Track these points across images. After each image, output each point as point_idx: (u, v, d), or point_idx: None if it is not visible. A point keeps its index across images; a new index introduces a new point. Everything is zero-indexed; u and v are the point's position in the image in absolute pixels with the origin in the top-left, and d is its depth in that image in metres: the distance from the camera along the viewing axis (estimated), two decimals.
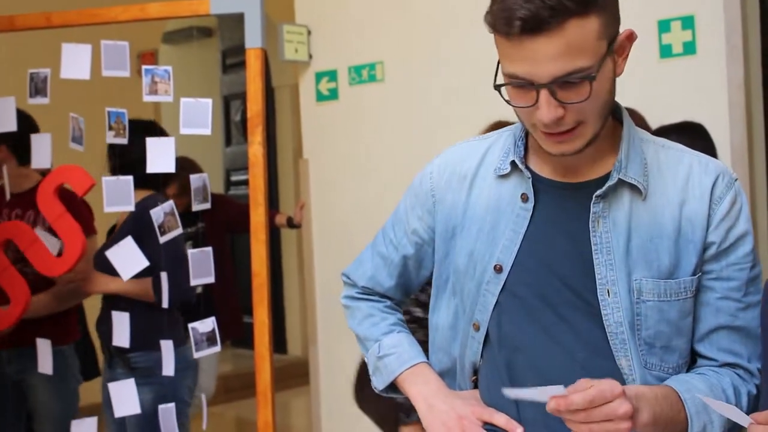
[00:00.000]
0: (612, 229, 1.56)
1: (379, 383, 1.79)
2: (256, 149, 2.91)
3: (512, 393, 1.47)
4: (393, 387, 1.79)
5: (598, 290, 1.55)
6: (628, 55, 1.56)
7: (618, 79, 1.56)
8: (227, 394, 7.00)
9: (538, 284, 1.58)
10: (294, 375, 7.19)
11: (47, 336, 3.56)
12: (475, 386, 1.71)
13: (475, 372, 1.70)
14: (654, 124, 3.17)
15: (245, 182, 8.58)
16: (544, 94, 1.45)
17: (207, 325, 3.05)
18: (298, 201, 5.34)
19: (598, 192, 1.56)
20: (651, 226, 1.56)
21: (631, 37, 1.55)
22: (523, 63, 1.45)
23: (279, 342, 7.96)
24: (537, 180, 1.62)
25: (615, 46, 1.51)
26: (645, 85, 3.71)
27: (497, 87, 1.52)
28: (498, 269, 1.61)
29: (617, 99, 1.59)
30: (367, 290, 1.88)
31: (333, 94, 5.01)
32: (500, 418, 1.60)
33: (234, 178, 9.05)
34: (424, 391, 1.69)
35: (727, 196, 1.58)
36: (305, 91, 5.13)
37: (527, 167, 1.63)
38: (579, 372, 1.53)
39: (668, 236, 1.56)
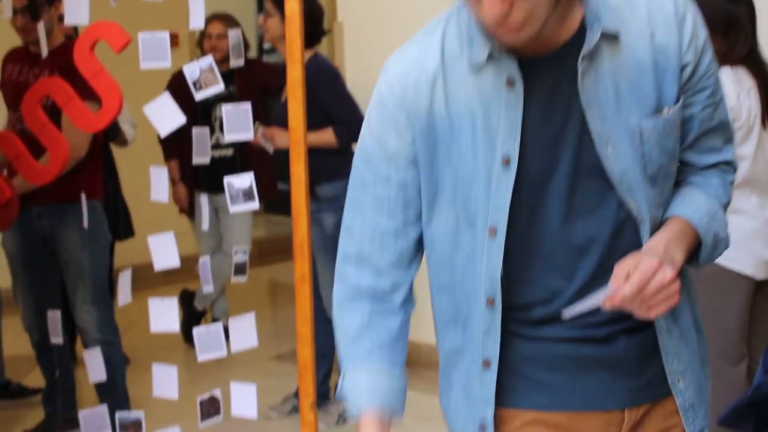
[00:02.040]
0: (598, 81, 1.53)
1: (350, 410, 1.72)
2: (292, 4, 2.88)
3: (569, 312, 1.53)
4: None
5: (596, 146, 1.54)
6: None
7: None
8: (261, 258, 7.12)
9: (546, 163, 1.56)
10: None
11: (75, 191, 3.65)
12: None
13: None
14: None
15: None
16: None
17: (244, 180, 3.07)
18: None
19: (584, 52, 1.52)
20: (631, 67, 1.55)
21: None
22: None
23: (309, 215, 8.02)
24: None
25: None
26: None
27: None
28: (506, 162, 1.54)
29: None
30: (368, 265, 1.68)
31: None
32: None
33: (267, 45, 8.98)
34: None
35: (687, 13, 1.57)
36: None
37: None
38: (603, 235, 1.58)
39: (648, 70, 1.55)
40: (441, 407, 1.80)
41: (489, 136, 1.55)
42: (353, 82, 5.14)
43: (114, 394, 3.95)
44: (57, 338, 3.78)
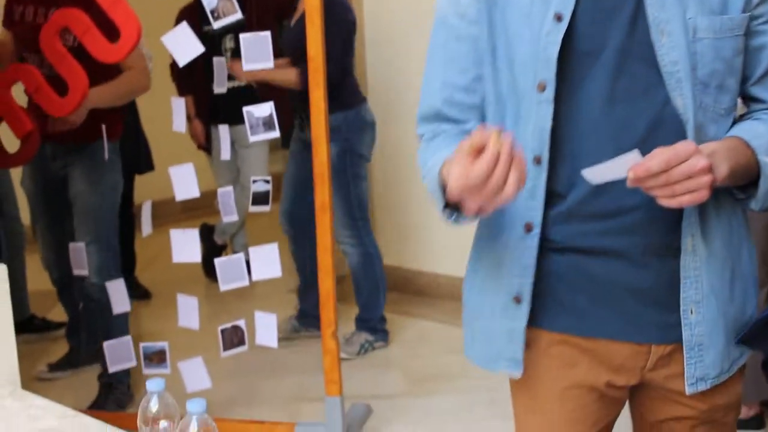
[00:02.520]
0: None
1: (437, 206, 1.64)
2: None
3: (590, 172, 1.48)
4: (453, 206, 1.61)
5: (651, 31, 1.53)
6: None
7: None
8: (278, 193, 7.09)
9: (597, 35, 1.55)
10: None
11: (91, 131, 3.64)
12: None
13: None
14: None
15: None
16: None
17: (264, 109, 3.07)
18: None
19: None
20: None
21: None
22: None
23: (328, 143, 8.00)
24: None
25: None
26: None
27: None
28: (558, 18, 1.55)
29: None
30: (442, 119, 1.71)
31: None
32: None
33: None
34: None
35: None
36: None
37: None
38: (640, 118, 1.55)
39: None
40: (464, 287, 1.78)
41: None
42: (371, 26, 5.12)
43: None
44: (81, 270, 3.80)
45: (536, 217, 1.61)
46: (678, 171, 1.42)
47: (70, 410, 2.02)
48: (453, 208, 1.58)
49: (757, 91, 1.64)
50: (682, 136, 1.54)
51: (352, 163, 4.24)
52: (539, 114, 1.57)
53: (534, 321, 1.66)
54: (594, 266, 1.62)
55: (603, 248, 1.60)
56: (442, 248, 4.95)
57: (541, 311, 1.65)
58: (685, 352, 1.62)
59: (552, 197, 1.61)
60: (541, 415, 1.72)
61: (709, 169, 1.43)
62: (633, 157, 1.43)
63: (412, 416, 3.67)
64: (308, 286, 4.52)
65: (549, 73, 1.56)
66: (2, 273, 2.19)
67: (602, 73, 1.55)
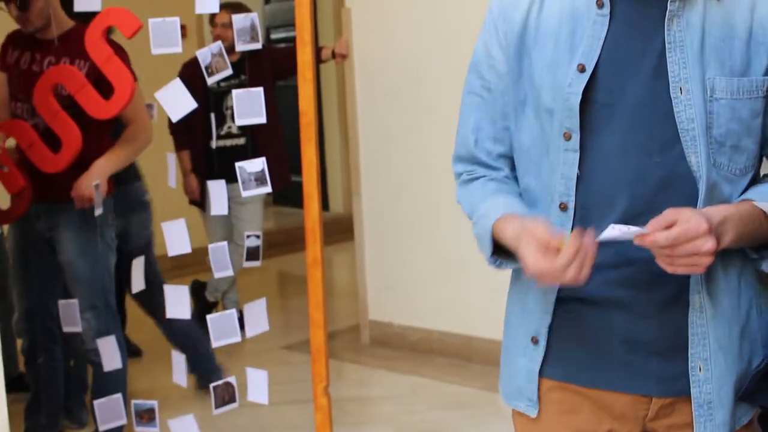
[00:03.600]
0: (686, 29, 1.56)
1: (485, 252, 1.70)
2: None
3: (601, 236, 1.50)
4: (501, 251, 1.68)
5: (671, 88, 1.56)
6: None
7: None
8: (270, 250, 7.09)
9: (617, 88, 1.58)
10: (336, 231, 7.30)
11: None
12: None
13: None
14: None
15: (286, 39, 8.53)
16: None
17: (256, 165, 3.07)
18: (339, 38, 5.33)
19: None
20: (723, 27, 1.57)
21: None
22: None
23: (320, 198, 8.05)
24: None
25: None
26: None
27: None
28: (581, 69, 1.59)
29: None
30: (475, 162, 1.78)
31: None
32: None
33: (274, 35, 8.99)
34: (512, 231, 1.61)
35: None
36: None
37: None
38: (654, 172, 1.57)
39: (740, 37, 1.57)
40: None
41: (570, 47, 1.61)
42: (362, 70, 5.16)
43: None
44: (71, 327, 3.75)
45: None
46: (683, 249, 1.46)
47: None
48: (499, 255, 1.68)
49: None
50: (695, 192, 1.56)
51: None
52: (566, 162, 1.62)
53: None
54: (594, 316, 1.63)
55: (604, 298, 1.61)
56: (434, 304, 4.95)
57: (545, 361, 1.68)
58: (694, 410, 1.62)
59: None
60: None
61: (714, 251, 1.47)
62: (641, 228, 1.47)
63: None
64: None
65: (573, 122, 1.60)
66: None
67: (620, 125, 1.59)
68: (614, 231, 1.47)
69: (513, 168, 1.75)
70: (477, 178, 1.77)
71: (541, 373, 1.68)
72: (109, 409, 3.58)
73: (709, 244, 1.45)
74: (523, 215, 1.63)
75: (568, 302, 1.64)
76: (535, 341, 1.69)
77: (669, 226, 1.46)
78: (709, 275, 1.59)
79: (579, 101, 1.59)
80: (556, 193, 1.63)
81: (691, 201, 1.56)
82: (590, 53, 1.59)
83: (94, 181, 3.48)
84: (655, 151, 1.57)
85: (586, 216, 1.61)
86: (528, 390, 1.71)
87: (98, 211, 3.53)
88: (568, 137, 1.60)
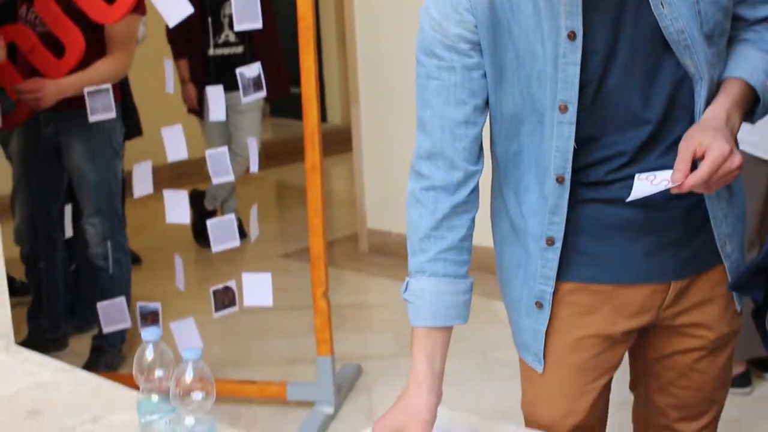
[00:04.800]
0: None
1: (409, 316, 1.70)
2: None
3: (633, 196, 1.52)
4: None
5: (652, 6, 1.53)
6: None
7: None
8: (268, 161, 7.10)
9: (609, 42, 1.55)
10: (333, 143, 7.29)
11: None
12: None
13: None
14: None
15: None
16: None
17: (253, 69, 3.07)
18: None
19: None
20: None
21: None
22: None
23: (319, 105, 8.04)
24: None
25: None
26: None
27: None
28: (572, 36, 1.53)
29: None
30: (442, 158, 1.66)
31: None
32: None
33: None
34: (410, 375, 1.66)
35: None
36: None
37: None
38: (656, 94, 1.58)
39: None
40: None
41: (551, 12, 1.54)
42: (365, 55, 5.09)
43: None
44: (67, 231, 3.79)
45: (558, 231, 1.64)
46: (717, 176, 1.49)
47: (67, 365, 2.04)
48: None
49: (741, 10, 1.66)
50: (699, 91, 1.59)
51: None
52: (561, 134, 1.59)
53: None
54: (618, 214, 1.64)
55: (624, 198, 1.61)
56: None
57: (564, 264, 1.68)
58: (729, 278, 1.72)
59: (576, 177, 1.63)
60: (550, 365, 1.74)
61: (742, 162, 1.50)
62: (668, 173, 1.50)
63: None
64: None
65: (570, 94, 1.56)
66: None
67: (619, 69, 1.56)
68: (642, 184, 1.50)
69: (476, 171, 1.66)
70: (425, 205, 1.66)
71: (559, 277, 1.68)
72: (112, 312, 3.63)
73: (736, 159, 1.49)
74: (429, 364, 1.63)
75: (590, 203, 1.65)
76: (539, 306, 1.70)
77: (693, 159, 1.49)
78: None
79: (578, 72, 1.54)
80: (551, 166, 1.61)
81: (694, 98, 1.59)
82: (575, 15, 1.52)
83: (54, 91, 3.46)
84: (652, 75, 1.57)
85: (584, 164, 1.62)
86: (534, 347, 1.74)
87: (109, 116, 3.52)
88: (564, 109, 1.56)
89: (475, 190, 1.67)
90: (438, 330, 1.64)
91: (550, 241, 1.65)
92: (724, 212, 1.68)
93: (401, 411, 1.63)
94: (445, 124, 1.64)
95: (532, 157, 1.65)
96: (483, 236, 1.89)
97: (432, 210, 1.66)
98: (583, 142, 1.60)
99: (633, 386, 1.90)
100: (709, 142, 1.48)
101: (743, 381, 3.43)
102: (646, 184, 1.51)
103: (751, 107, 1.64)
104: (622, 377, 1.90)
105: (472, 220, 1.69)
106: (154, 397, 1.55)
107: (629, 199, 1.53)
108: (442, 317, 1.65)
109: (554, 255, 1.66)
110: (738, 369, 3.41)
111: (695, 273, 1.70)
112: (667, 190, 1.50)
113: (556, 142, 1.59)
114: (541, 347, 1.73)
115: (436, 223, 1.65)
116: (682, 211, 1.65)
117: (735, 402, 3.05)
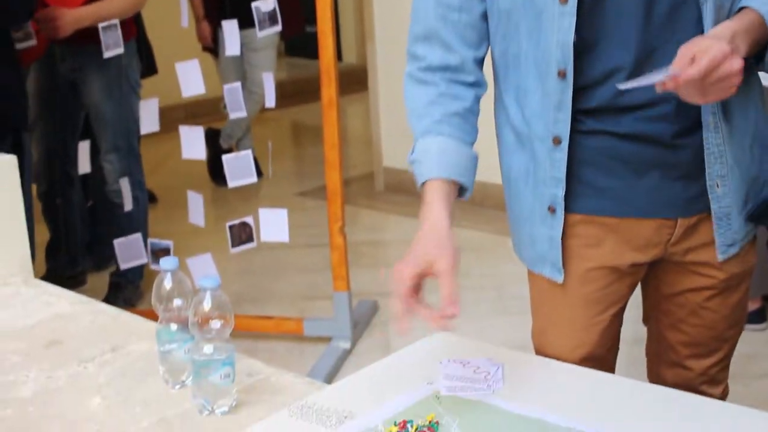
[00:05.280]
0: None
1: (416, 180, 1.67)
2: None
3: (625, 85, 1.49)
4: None
5: None
6: None
7: None
8: (283, 101, 7.08)
9: None
10: (349, 82, 7.26)
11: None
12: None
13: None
14: None
15: None
16: None
17: (269, 3, 3.05)
18: None
19: None
20: None
21: None
22: None
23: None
24: None
25: None
26: None
27: None
28: None
29: None
30: (437, 42, 1.65)
31: None
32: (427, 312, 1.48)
33: None
34: (422, 218, 1.60)
35: None
36: None
37: None
38: (659, 8, 1.54)
39: None
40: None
41: None
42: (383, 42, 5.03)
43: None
44: (84, 168, 3.80)
45: (564, 130, 1.61)
46: (715, 75, 1.43)
47: (84, 297, 2.06)
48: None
49: None
50: (701, 16, 1.54)
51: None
52: (562, 27, 1.56)
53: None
54: (625, 148, 1.62)
55: (635, 133, 1.61)
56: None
57: (570, 195, 1.66)
58: (714, 223, 1.66)
59: (575, 118, 1.61)
60: (560, 296, 1.74)
61: (742, 69, 1.44)
62: (665, 70, 1.44)
63: None
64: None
65: None
66: (14, 164, 2.21)
67: None
68: (638, 79, 1.46)
69: (476, 56, 1.65)
70: (426, 83, 1.66)
71: (566, 209, 1.67)
72: (129, 248, 3.66)
73: (736, 62, 1.43)
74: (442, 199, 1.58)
75: (594, 135, 1.63)
76: (552, 210, 1.67)
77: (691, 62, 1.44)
78: None
79: None
80: (553, 60, 1.58)
81: (699, 26, 1.55)
82: None
83: (72, 20, 3.44)
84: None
85: (586, 81, 1.59)
86: (551, 256, 1.70)
87: (119, 51, 3.51)
88: (564, 0, 1.54)
89: (478, 76, 1.66)
90: (445, 182, 1.60)
91: (557, 141, 1.62)
92: (720, 149, 1.62)
93: (421, 247, 1.57)
94: (438, 9, 1.63)
95: (531, 58, 1.62)
96: (494, 173, 1.88)
97: (435, 84, 1.65)
98: (583, 47, 1.56)
99: (645, 321, 1.90)
100: (709, 44, 1.44)
101: (758, 317, 3.43)
102: (642, 79, 1.48)
103: (762, 48, 1.57)
104: (636, 315, 1.90)
105: (478, 100, 1.67)
106: (173, 326, 1.56)
107: (621, 86, 1.49)
108: (447, 170, 1.61)
109: (562, 155, 1.63)
110: (753, 305, 3.41)
111: (704, 211, 1.67)
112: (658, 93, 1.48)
113: (557, 36, 1.56)
114: (559, 254, 1.69)
115: (440, 93, 1.64)
116: (690, 149, 1.62)
117: (749, 338, 3.05)
